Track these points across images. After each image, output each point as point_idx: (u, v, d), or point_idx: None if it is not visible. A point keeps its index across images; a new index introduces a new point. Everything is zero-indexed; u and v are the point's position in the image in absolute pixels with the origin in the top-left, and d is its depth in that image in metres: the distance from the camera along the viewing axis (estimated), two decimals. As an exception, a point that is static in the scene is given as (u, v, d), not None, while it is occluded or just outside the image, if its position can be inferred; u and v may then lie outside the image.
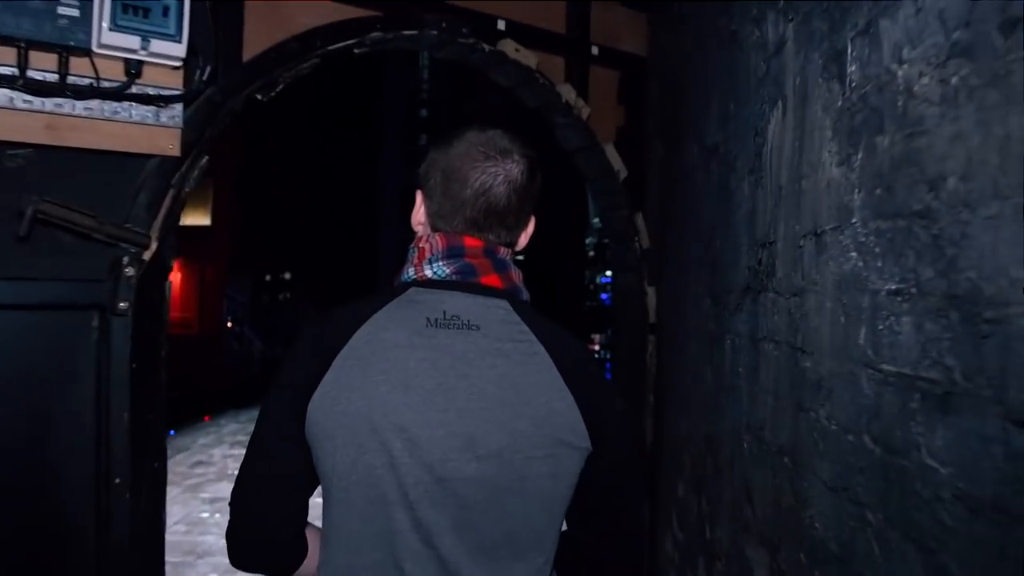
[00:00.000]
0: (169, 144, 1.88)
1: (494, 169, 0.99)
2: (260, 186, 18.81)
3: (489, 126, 1.04)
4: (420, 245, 1.03)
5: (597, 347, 20.03)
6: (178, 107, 1.88)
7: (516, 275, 1.03)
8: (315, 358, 0.96)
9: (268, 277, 21.35)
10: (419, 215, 1.08)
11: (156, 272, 2.00)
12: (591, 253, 18.37)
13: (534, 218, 1.07)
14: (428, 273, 1.00)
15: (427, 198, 1.05)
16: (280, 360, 1.02)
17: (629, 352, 3.23)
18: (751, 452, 1.89)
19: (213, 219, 16.53)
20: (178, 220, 2.08)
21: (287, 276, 21.79)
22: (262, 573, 1.05)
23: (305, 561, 1.03)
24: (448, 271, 0.99)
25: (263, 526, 1.00)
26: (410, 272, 1.02)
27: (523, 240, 1.08)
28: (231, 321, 18.10)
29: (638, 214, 3.15)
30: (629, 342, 3.24)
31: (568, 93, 2.92)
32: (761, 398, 1.84)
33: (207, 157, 2.08)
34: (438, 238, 1.01)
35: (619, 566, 1.07)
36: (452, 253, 0.99)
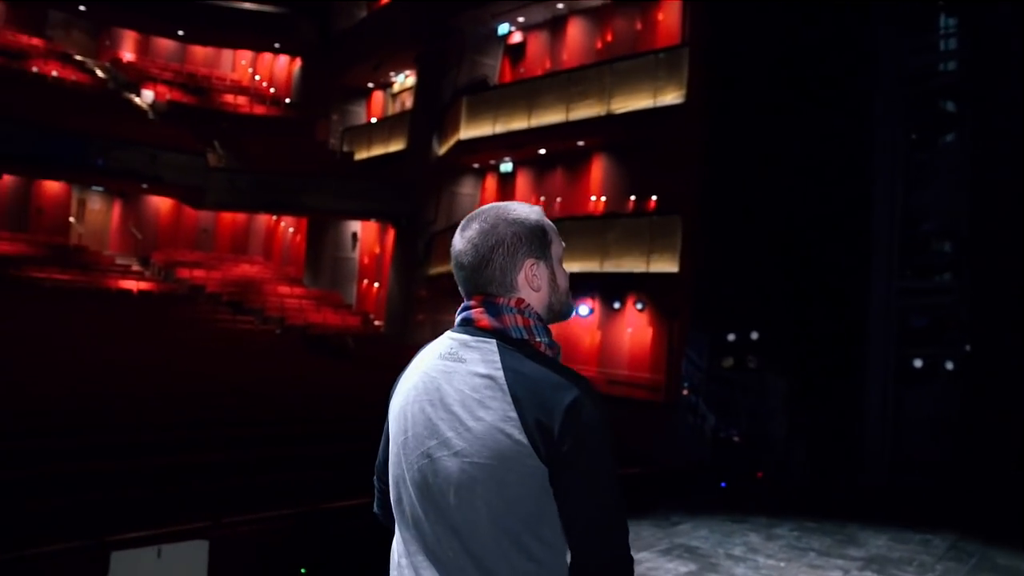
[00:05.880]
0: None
1: (456, 251, 1.39)
2: (727, 223, 14.77)
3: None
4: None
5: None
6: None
7: (510, 319, 1.34)
8: (397, 381, 1.44)
9: (731, 336, 18.43)
10: None
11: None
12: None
13: (529, 261, 1.37)
14: (455, 323, 1.41)
15: None
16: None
17: None
18: None
19: (681, 264, 14.63)
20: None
21: (754, 336, 17.71)
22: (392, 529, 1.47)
23: None
24: (458, 320, 1.39)
25: (382, 496, 1.48)
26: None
27: (524, 280, 1.37)
28: (687, 388, 15.37)
29: None
30: None
31: None
32: None
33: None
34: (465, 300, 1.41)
35: None
36: (463, 309, 1.39)
